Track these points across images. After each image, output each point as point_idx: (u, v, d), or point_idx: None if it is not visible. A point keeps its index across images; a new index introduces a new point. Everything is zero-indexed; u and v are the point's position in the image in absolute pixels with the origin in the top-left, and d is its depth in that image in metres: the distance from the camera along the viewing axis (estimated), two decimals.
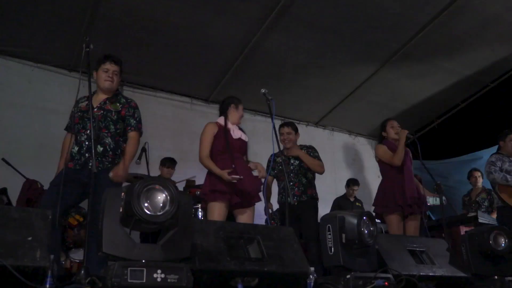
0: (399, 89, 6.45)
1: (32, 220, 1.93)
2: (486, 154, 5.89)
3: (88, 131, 3.01)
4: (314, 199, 4.31)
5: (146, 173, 4.70)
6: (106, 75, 3.19)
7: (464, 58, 5.91)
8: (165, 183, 2.03)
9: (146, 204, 1.93)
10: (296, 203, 4.08)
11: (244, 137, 3.77)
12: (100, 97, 3.23)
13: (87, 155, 3.04)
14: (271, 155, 4.26)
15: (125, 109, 3.23)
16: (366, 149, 7.56)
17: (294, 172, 4.28)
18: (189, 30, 5.02)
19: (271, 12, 4.85)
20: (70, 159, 3.09)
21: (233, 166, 3.51)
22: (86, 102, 3.13)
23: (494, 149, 5.15)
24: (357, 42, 5.44)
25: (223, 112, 3.79)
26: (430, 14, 5.10)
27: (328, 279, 2.57)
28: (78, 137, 3.13)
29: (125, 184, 2.86)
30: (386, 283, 2.54)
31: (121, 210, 1.96)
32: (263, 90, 3.42)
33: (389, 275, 2.63)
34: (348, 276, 2.48)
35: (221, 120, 3.75)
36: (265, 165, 4.06)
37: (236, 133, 3.72)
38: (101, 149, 3.10)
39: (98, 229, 1.95)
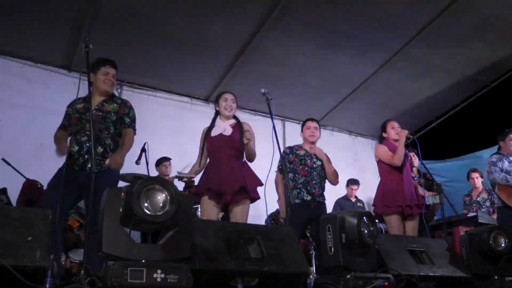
0: (399, 89, 6.44)
1: (32, 220, 1.93)
2: (486, 154, 5.87)
3: (88, 132, 3.05)
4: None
5: (146, 173, 4.69)
6: (107, 78, 3.25)
7: (464, 58, 5.91)
8: (165, 183, 2.03)
9: (146, 204, 1.93)
10: (314, 203, 3.91)
11: (227, 131, 3.51)
12: (97, 99, 3.26)
13: (86, 156, 3.07)
14: (284, 150, 4.09)
15: (122, 108, 3.29)
16: (366, 149, 7.55)
17: (316, 171, 4.04)
18: (189, 30, 5.02)
19: (271, 12, 4.85)
20: (68, 158, 3.08)
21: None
22: (83, 104, 3.20)
23: (494, 149, 5.13)
24: (357, 42, 5.43)
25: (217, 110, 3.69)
26: (430, 14, 5.10)
27: (328, 279, 2.57)
28: (78, 137, 3.14)
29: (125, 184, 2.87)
30: (386, 283, 2.54)
31: (121, 210, 1.96)
32: (263, 90, 3.42)
33: (389, 275, 2.63)
34: (348, 276, 2.48)
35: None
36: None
37: (216, 130, 3.54)
38: (102, 150, 3.14)
39: (98, 229, 1.95)
